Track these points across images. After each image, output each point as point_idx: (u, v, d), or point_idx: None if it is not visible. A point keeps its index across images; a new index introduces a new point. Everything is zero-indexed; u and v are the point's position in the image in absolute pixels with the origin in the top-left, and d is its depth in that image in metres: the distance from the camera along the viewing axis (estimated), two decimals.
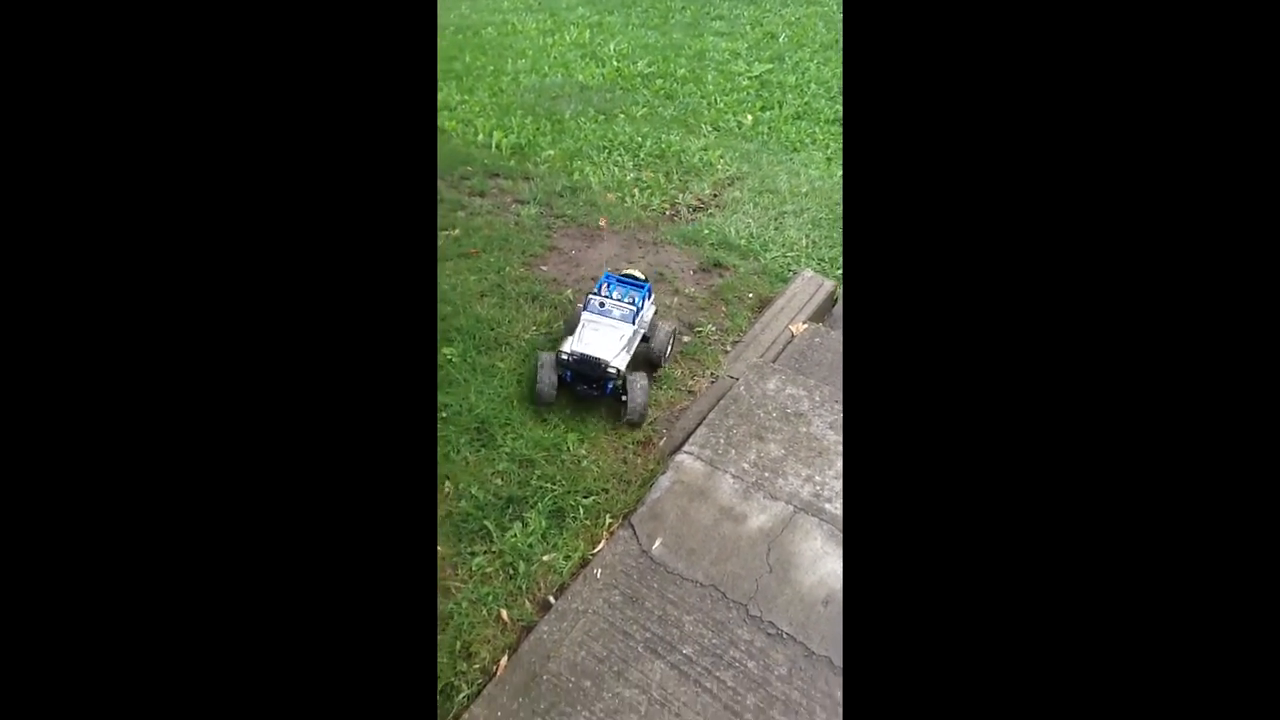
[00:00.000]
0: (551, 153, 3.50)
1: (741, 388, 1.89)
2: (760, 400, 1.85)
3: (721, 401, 1.85)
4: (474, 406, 1.90)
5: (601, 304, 1.96)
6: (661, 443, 1.83)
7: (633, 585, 1.47)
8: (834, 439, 1.75)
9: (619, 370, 1.84)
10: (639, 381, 1.84)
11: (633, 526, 1.58)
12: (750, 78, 4.41)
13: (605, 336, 1.88)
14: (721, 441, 1.74)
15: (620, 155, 3.53)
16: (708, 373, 2.09)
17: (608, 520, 1.62)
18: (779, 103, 4.10)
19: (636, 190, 3.23)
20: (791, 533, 1.55)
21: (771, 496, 1.62)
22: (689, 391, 2.04)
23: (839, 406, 1.83)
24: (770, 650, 1.37)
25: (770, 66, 4.53)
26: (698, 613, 1.42)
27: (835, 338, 2.18)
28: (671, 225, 2.96)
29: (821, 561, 1.50)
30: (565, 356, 1.85)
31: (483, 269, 2.48)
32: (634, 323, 1.94)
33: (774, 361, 2.05)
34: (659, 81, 4.37)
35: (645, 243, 2.80)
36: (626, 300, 1.98)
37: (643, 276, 2.13)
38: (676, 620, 1.41)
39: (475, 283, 2.39)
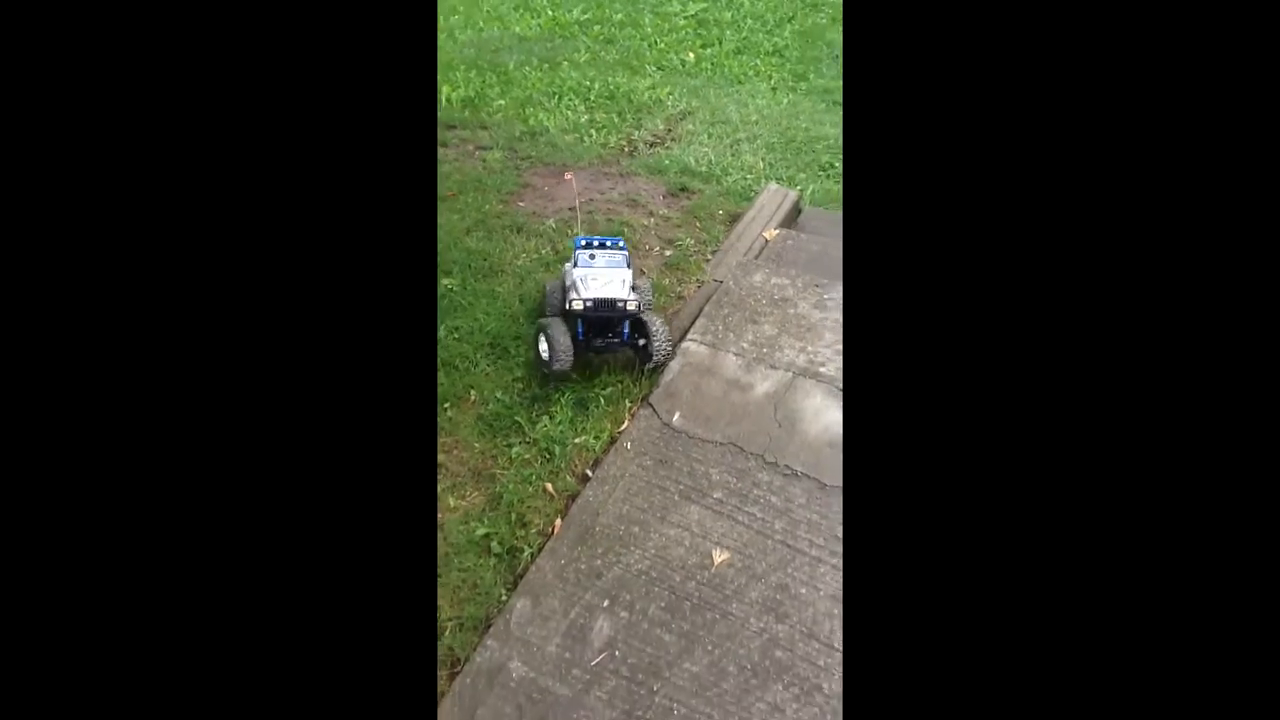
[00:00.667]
0: (503, 103, 3.61)
1: (730, 283, 2.11)
2: (749, 291, 2.07)
3: (714, 297, 2.07)
4: (484, 325, 2.06)
5: (591, 256, 1.92)
6: (669, 321, 2.03)
7: (660, 451, 1.68)
8: (819, 316, 1.99)
9: (639, 305, 1.82)
10: (655, 320, 1.83)
11: (651, 406, 1.79)
12: (686, 18, 4.58)
13: (608, 279, 1.85)
14: (720, 328, 1.96)
15: (571, 100, 3.66)
16: (693, 279, 2.30)
17: (627, 404, 1.82)
18: (718, 39, 4.29)
19: (593, 131, 3.39)
20: (793, 394, 1.79)
21: (771, 367, 1.85)
22: (679, 297, 2.25)
23: (821, 290, 2.07)
24: (788, 487, 1.60)
25: (705, 5, 4.70)
26: (721, 465, 1.65)
27: (806, 239, 2.42)
28: (632, 160, 3.13)
29: (823, 414, 1.74)
30: (580, 305, 1.79)
31: (463, 209, 2.61)
32: (628, 265, 1.93)
33: (755, 259, 2.28)
34: (596, 28, 4.50)
35: (612, 175, 2.97)
36: (613, 248, 1.96)
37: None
38: (704, 474, 1.63)
39: (459, 221, 2.53)
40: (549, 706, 1.28)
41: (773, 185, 2.72)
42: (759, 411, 1.76)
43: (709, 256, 2.41)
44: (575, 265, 1.91)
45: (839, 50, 4.19)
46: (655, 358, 1.82)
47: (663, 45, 4.24)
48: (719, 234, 2.53)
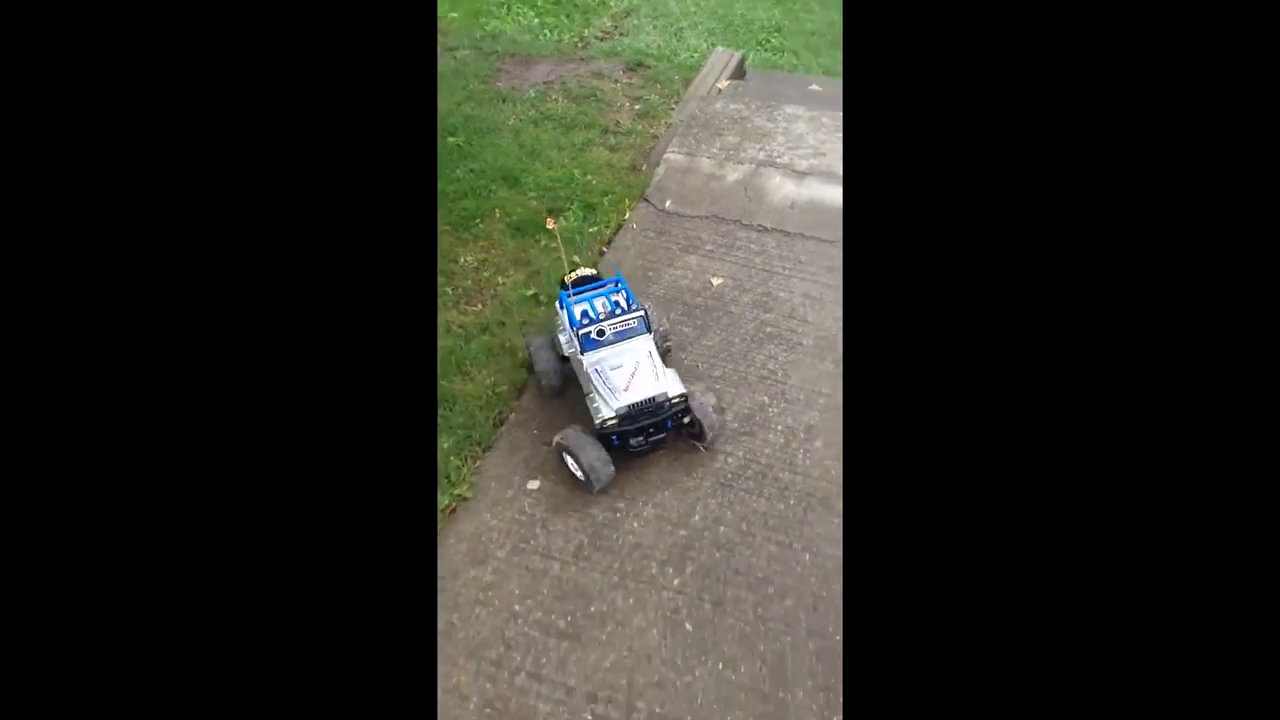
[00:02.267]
0: (455, 15, 4.05)
1: (695, 112, 2.66)
2: (713, 116, 2.64)
3: (683, 125, 2.62)
4: (494, 163, 2.57)
5: (600, 333, 1.59)
6: (652, 153, 2.58)
7: (660, 226, 2.24)
8: (771, 126, 2.57)
9: (685, 396, 1.57)
10: (699, 396, 1.60)
11: (647, 199, 2.34)
12: None
13: (632, 363, 1.57)
14: (693, 141, 2.52)
15: (519, 7, 4.13)
16: (662, 122, 2.85)
17: (627, 201, 2.36)
18: None
19: (546, 31, 3.87)
20: (758, 178, 2.36)
21: (738, 162, 2.42)
22: (652, 135, 2.79)
23: (771, 109, 2.64)
24: (762, 238, 2.18)
25: None
26: (708, 229, 2.21)
27: (753, 86, 2.99)
28: (588, 49, 3.64)
29: (782, 188, 2.32)
30: (614, 420, 1.53)
31: (447, 90, 3.09)
32: (646, 328, 1.62)
33: (714, 96, 2.84)
34: None
35: (573, 60, 3.47)
36: (618, 311, 1.63)
37: (595, 272, 1.76)
38: (695, 235, 2.20)
39: (451, 97, 3.01)
40: None
41: (720, 48, 3.28)
42: (732, 192, 2.33)
43: (673, 106, 2.96)
44: (584, 350, 1.59)
45: None
46: (709, 434, 1.62)
47: None
48: (678, 90, 3.08)
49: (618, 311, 1.62)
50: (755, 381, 1.80)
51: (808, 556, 1.49)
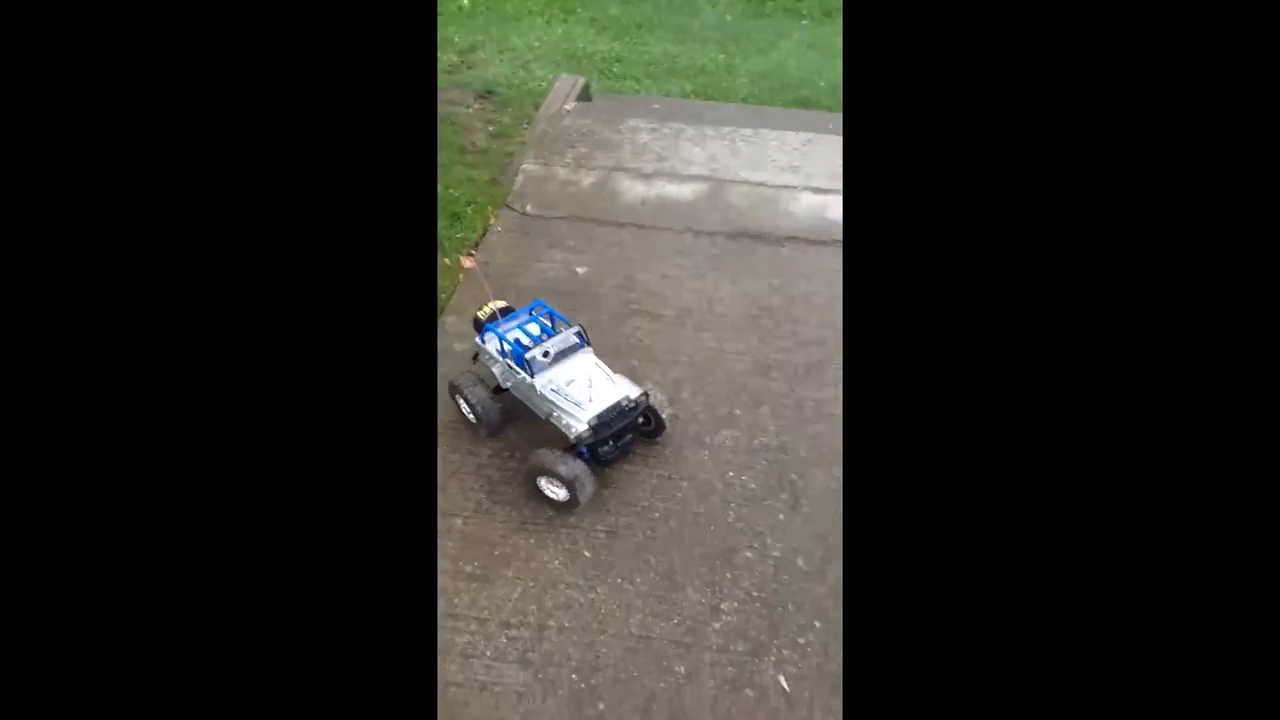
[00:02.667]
0: None
1: (547, 129, 2.92)
2: (564, 130, 2.90)
3: (537, 141, 2.86)
4: None
5: (545, 354, 1.63)
6: (510, 167, 2.79)
7: (524, 228, 2.45)
8: (618, 139, 2.86)
9: (645, 394, 1.66)
10: (654, 394, 1.70)
11: (510, 206, 2.54)
12: None
13: (583, 377, 1.63)
14: (547, 153, 2.76)
15: None
16: (516, 140, 3.08)
17: (490, 209, 2.55)
18: None
19: None
20: (610, 182, 2.64)
21: (591, 169, 2.69)
22: (508, 153, 3.01)
23: (617, 123, 2.94)
24: (618, 232, 2.44)
25: None
26: (569, 228, 2.45)
27: (599, 107, 3.29)
28: (436, 81, 3.83)
29: (633, 190, 2.61)
30: (587, 432, 1.57)
31: None
32: (584, 341, 1.69)
33: (564, 114, 3.11)
34: None
35: None
36: (553, 330, 1.71)
37: (508, 305, 1.82)
38: (558, 234, 2.42)
39: None
40: None
41: (565, 75, 3.57)
42: (588, 195, 2.58)
43: (525, 127, 3.20)
44: (535, 372, 1.61)
45: None
46: (666, 428, 1.74)
47: None
48: (529, 112, 3.33)
49: (552, 332, 1.68)
50: (626, 350, 2.03)
51: (685, 484, 1.71)
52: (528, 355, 1.61)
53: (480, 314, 1.81)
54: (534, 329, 1.70)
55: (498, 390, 1.74)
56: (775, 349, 2.04)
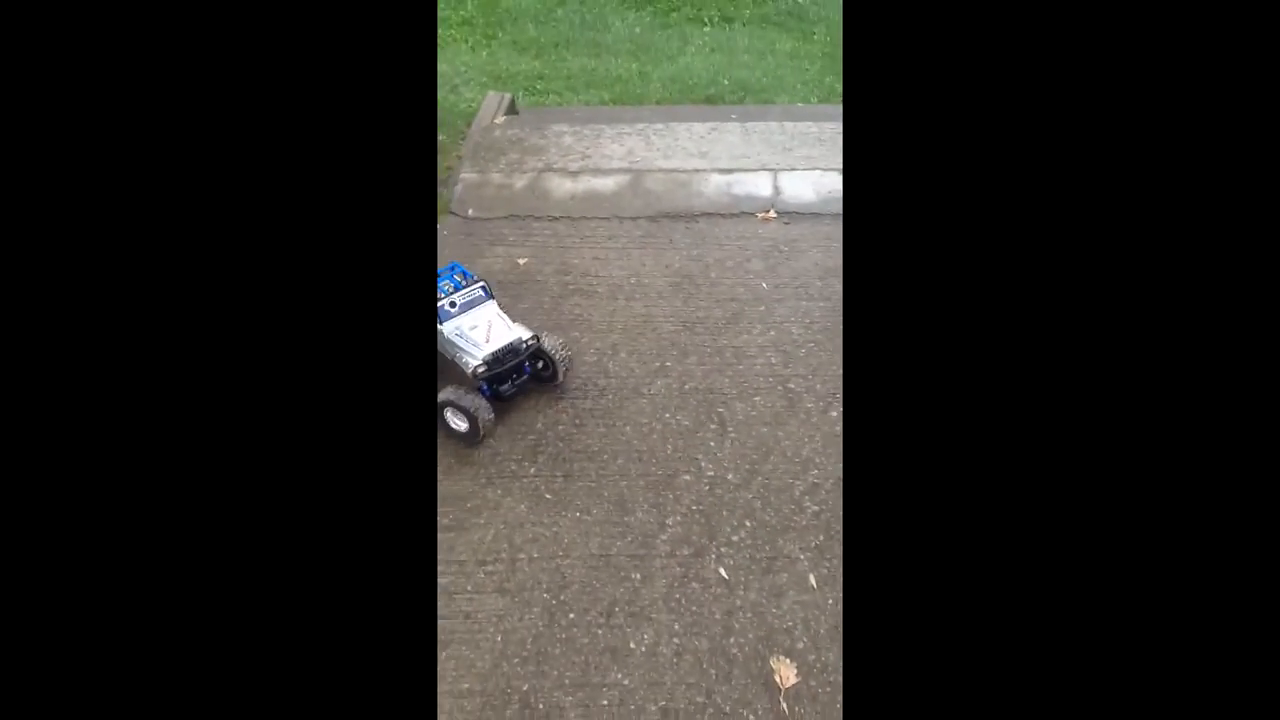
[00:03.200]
0: None
1: (480, 141, 3.16)
2: (494, 141, 3.15)
3: (471, 152, 3.11)
4: None
5: (452, 304, 1.93)
6: (450, 179, 3.02)
7: (467, 230, 2.69)
8: (544, 144, 3.12)
9: (536, 337, 1.93)
10: (547, 338, 1.96)
11: (452, 212, 2.78)
12: None
13: (485, 323, 1.92)
14: (482, 162, 3.01)
15: None
16: (453, 154, 3.32)
17: (434, 215, 2.79)
18: None
19: None
20: (541, 182, 2.89)
21: (523, 172, 2.94)
22: (446, 166, 3.24)
23: (543, 130, 3.20)
24: (553, 225, 2.70)
25: None
26: (508, 226, 2.69)
27: (526, 118, 3.55)
28: None
29: (562, 186, 2.86)
30: (483, 368, 1.84)
31: None
32: (488, 294, 1.99)
33: (494, 126, 3.36)
34: None
35: None
36: (462, 280, 2.00)
37: None
38: (498, 232, 2.67)
39: None
40: None
41: (492, 93, 3.83)
42: (522, 195, 2.83)
43: (460, 142, 3.44)
44: (441, 322, 1.90)
45: (516, 12, 5.42)
46: (562, 373, 1.99)
47: None
48: (463, 130, 3.57)
49: (461, 287, 1.98)
50: (567, 323, 2.27)
51: (628, 428, 1.96)
52: (437, 305, 1.90)
53: None
54: (448, 286, 1.99)
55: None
56: (696, 308, 2.31)
